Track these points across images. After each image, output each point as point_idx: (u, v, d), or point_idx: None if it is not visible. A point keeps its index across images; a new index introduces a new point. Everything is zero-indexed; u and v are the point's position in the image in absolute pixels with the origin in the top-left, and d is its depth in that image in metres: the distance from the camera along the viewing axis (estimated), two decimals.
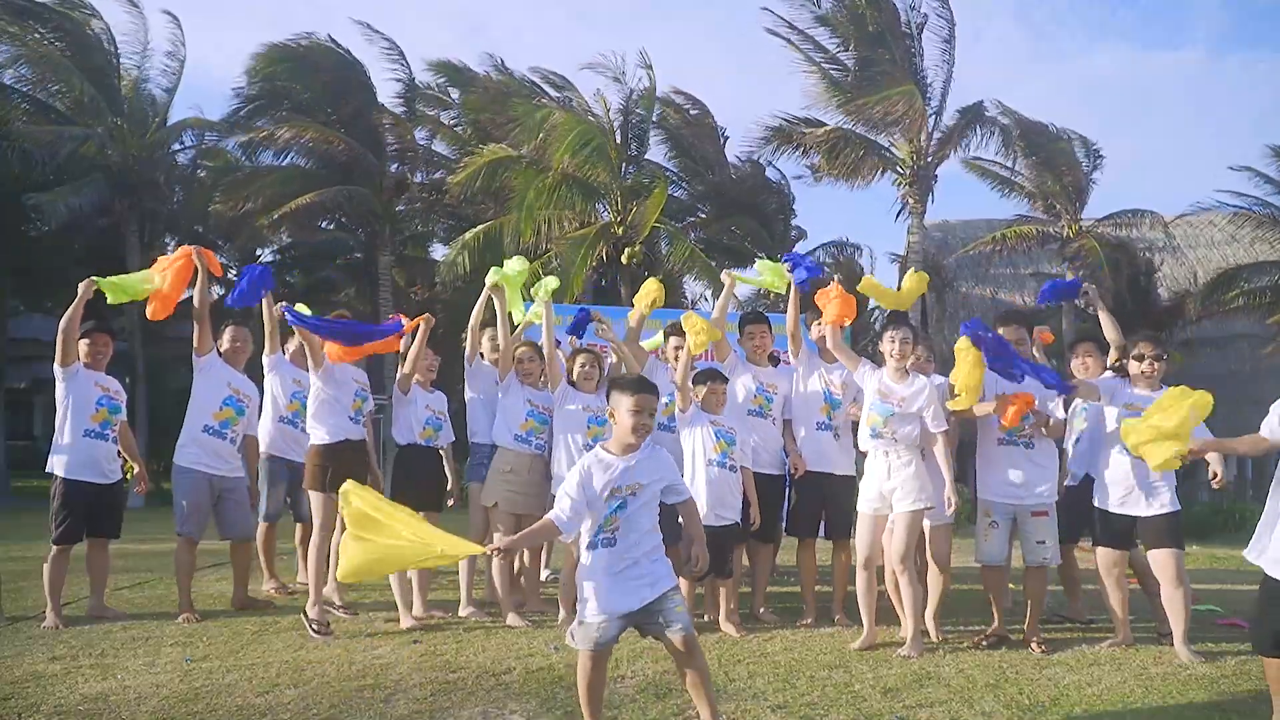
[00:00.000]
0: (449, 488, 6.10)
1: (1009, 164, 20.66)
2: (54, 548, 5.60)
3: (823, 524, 5.89)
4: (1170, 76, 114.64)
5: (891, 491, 5.02)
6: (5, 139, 17.17)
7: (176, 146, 20.02)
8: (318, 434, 5.52)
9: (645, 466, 3.49)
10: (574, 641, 3.45)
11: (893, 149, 19.07)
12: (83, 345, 5.81)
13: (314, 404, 5.58)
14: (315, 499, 5.49)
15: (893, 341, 5.11)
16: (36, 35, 17.98)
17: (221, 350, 6.13)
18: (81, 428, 5.65)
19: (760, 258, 20.72)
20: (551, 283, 5.84)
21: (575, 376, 5.67)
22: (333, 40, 19.78)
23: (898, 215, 19.97)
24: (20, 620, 5.65)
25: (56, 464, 5.65)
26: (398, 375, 5.87)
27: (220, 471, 5.91)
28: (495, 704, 4.01)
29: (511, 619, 5.54)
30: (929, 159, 18.79)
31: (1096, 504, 5.13)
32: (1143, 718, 3.98)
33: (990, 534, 5.16)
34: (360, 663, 4.67)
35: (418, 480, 5.75)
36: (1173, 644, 4.99)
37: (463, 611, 5.82)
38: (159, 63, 19.30)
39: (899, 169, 19.08)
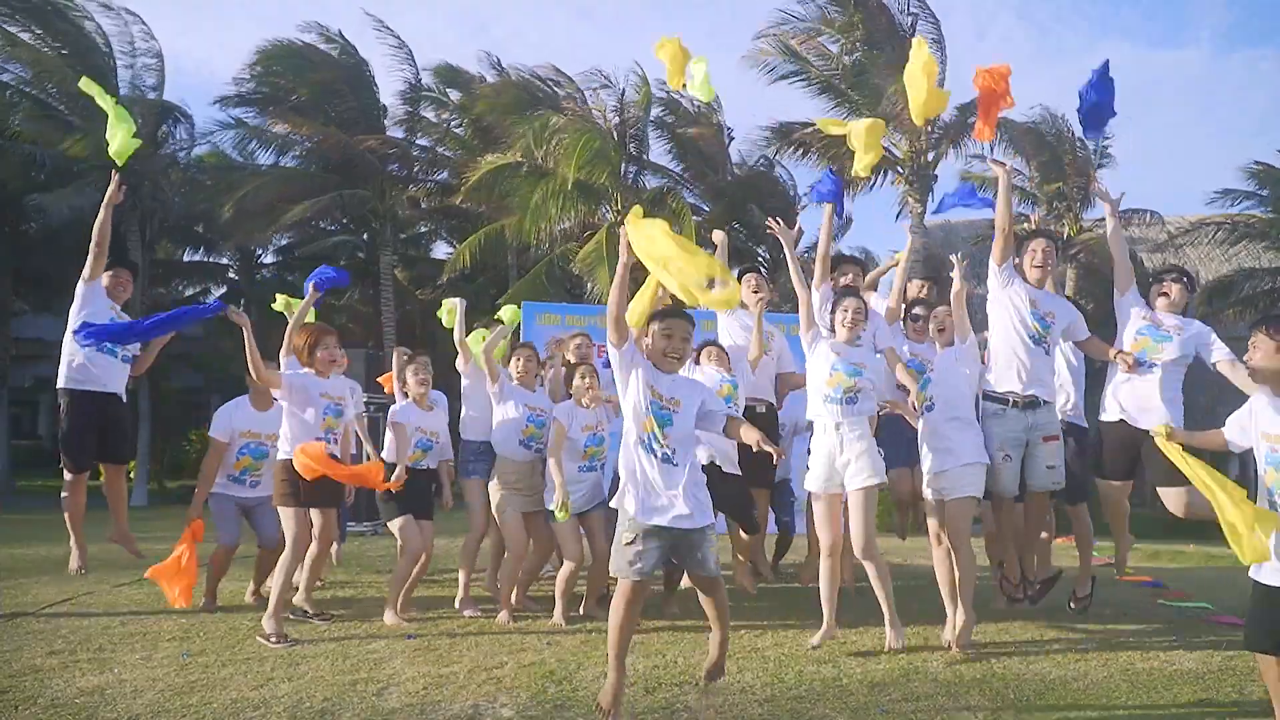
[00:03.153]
0: (443, 496, 6.27)
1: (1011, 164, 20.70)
2: (69, 477, 5.66)
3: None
4: (1173, 74, 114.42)
5: (844, 466, 4.83)
6: (5, 138, 17.28)
7: (173, 146, 20.10)
8: (284, 449, 5.28)
9: (683, 387, 3.74)
10: (615, 568, 3.66)
11: (892, 149, 19.11)
12: (105, 276, 5.87)
13: (284, 418, 5.35)
14: (285, 515, 5.24)
15: (845, 311, 4.93)
16: (34, 35, 18.05)
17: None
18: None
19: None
20: (509, 315, 6.30)
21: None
22: (341, 35, 19.84)
23: (897, 216, 20.05)
24: (19, 616, 5.70)
25: (63, 378, 5.68)
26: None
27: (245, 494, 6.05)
28: (487, 698, 4.05)
29: (502, 617, 5.59)
30: (929, 157, 18.83)
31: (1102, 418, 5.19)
32: (1129, 713, 4.01)
33: (1004, 467, 5.08)
34: (354, 657, 4.72)
35: (405, 498, 5.70)
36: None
37: (461, 610, 5.86)
38: (143, 61, 19.41)
39: (898, 169, 19.12)
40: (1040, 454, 5.08)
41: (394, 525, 5.72)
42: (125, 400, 5.95)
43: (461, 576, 6.02)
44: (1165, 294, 5.16)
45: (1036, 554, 5.78)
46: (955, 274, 5.27)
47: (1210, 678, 4.48)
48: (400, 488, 5.52)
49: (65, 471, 5.69)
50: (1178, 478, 4.73)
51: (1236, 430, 3.76)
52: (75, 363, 5.64)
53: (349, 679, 4.32)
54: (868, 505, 4.83)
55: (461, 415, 6.17)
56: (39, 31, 18.10)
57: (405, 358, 6.14)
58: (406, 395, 5.94)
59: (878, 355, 5.21)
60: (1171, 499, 4.83)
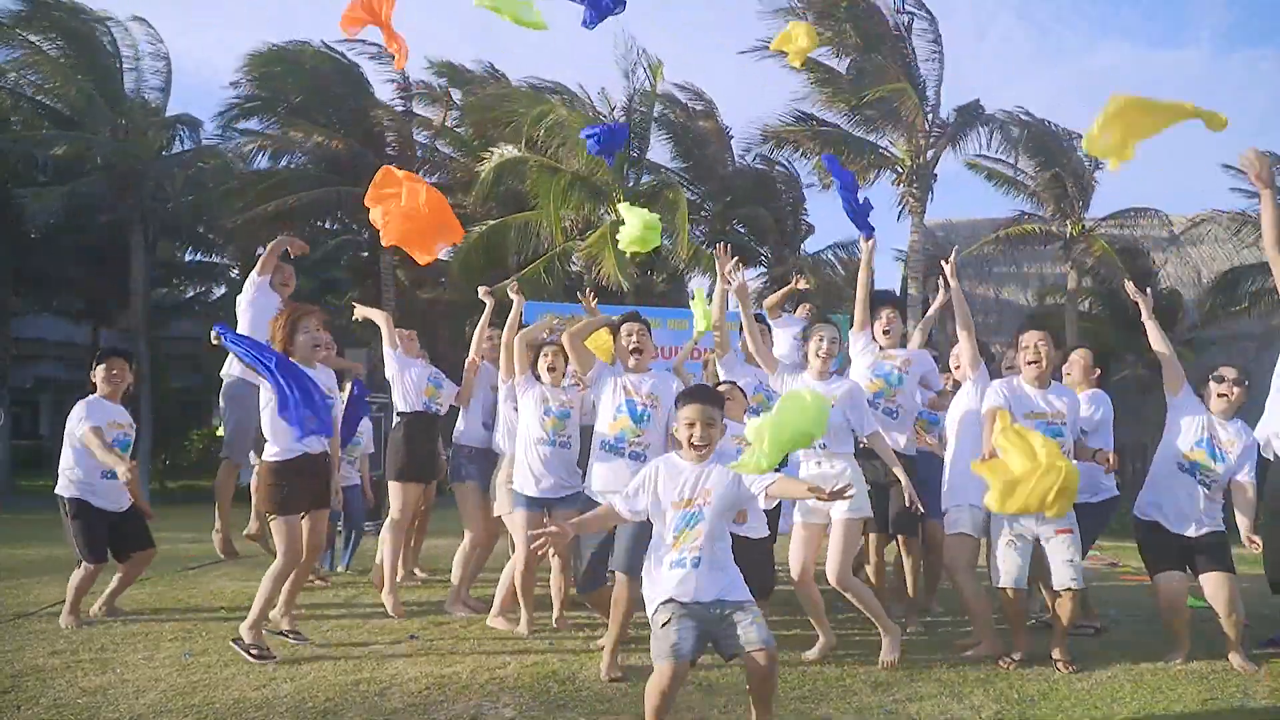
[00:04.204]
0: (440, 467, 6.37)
1: (1011, 161, 20.69)
2: (86, 567, 5.42)
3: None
4: (1173, 74, 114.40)
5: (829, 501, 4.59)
6: (6, 139, 17.29)
7: (177, 149, 20.10)
8: (269, 448, 4.77)
9: (716, 475, 3.52)
10: (654, 656, 3.33)
11: (891, 148, 19.10)
12: (99, 372, 5.56)
13: (266, 411, 4.76)
14: (275, 526, 4.73)
15: (820, 341, 4.84)
16: (40, 37, 18.05)
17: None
18: (97, 469, 5.40)
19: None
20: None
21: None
22: (326, 46, 19.79)
23: (899, 215, 20.00)
24: (21, 616, 5.69)
25: (65, 487, 5.46)
26: (388, 347, 6.09)
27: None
28: (489, 698, 4.05)
29: (499, 622, 5.50)
30: (927, 156, 18.81)
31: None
32: (1132, 713, 4.00)
33: (1008, 553, 4.68)
34: (356, 657, 4.71)
35: (418, 447, 5.89)
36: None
37: (455, 611, 5.84)
38: (149, 64, 19.41)
39: (897, 168, 19.10)
40: (1055, 548, 4.62)
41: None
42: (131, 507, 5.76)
43: (457, 576, 5.98)
44: (1225, 396, 4.81)
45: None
46: (955, 298, 5.24)
47: (1214, 678, 4.47)
48: None
49: (82, 562, 5.44)
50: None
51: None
52: (77, 478, 5.44)
53: (351, 679, 4.31)
54: (848, 535, 4.65)
55: (461, 418, 6.16)
56: (44, 33, 18.07)
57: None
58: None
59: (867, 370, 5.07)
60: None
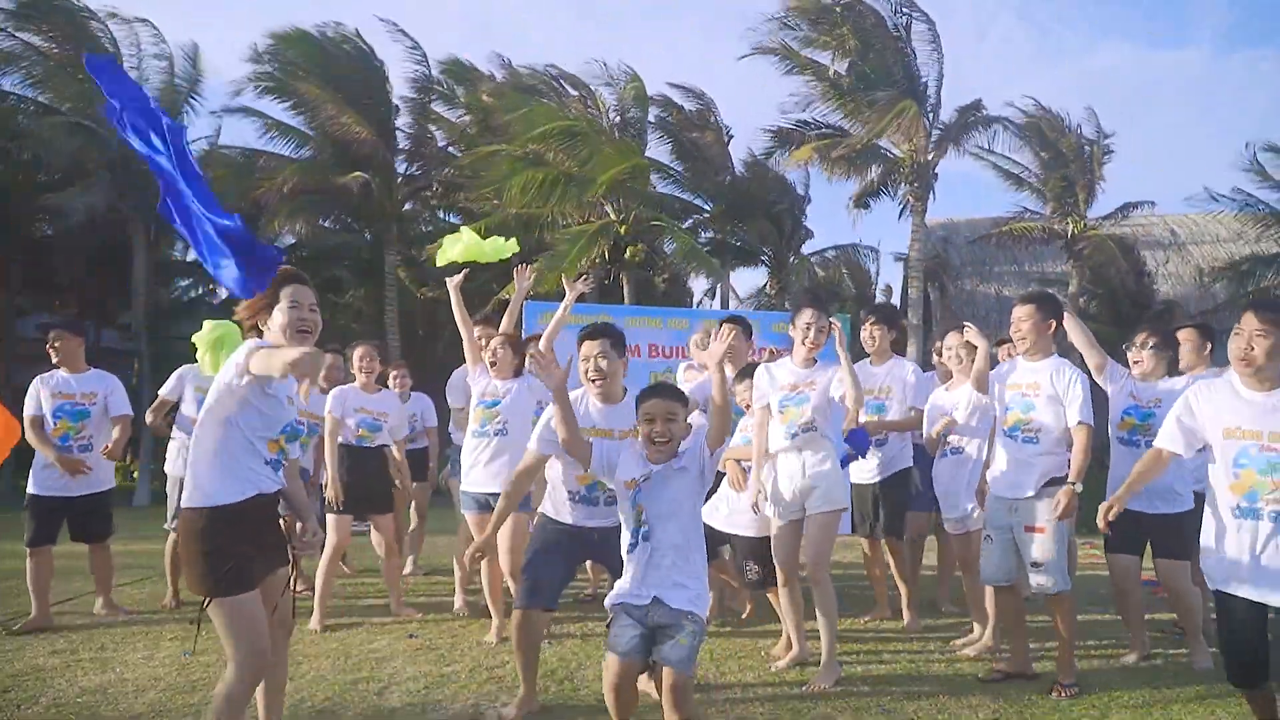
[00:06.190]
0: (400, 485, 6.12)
1: (1014, 157, 20.69)
2: (33, 551, 5.49)
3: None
4: (1174, 74, 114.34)
5: (807, 493, 4.44)
6: (13, 140, 17.29)
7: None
8: (206, 488, 2.90)
9: (664, 476, 3.26)
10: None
11: (891, 149, 19.07)
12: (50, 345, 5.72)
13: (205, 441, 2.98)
14: (224, 613, 2.85)
15: (807, 327, 4.56)
16: (43, 36, 18.07)
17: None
18: (40, 455, 5.55)
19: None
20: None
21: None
22: (358, 34, 19.75)
23: (900, 215, 19.97)
24: (21, 617, 5.70)
25: (30, 480, 5.62)
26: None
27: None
28: (487, 697, 4.06)
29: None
30: (928, 157, 18.78)
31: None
32: (1129, 710, 4.00)
33: (985, 547, 4.46)
34: (355, 656, 4.73)
35: (357, 480, 5.62)
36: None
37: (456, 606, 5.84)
38: (151, 64, 19.41)
39: (898, 168, 19.08)
40: (1024, 545, 4.29)
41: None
42: (107, 492, 5.81)
43: (457, 578, 5.99)
44: (1138, 362, 4.72)
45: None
46: (973, 335, 4.92)
47: (1211, 674, 4.46)
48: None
49: (28, 545, 5.49)
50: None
51: (1180, 440, 3.42)
52: (41, 467, 5.59)
53: (350, 678, 4.32)
54: (825, 529, 4.44)
55: (454, 418, 6.13)
56: (48, 32, 18.07)
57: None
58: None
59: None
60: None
